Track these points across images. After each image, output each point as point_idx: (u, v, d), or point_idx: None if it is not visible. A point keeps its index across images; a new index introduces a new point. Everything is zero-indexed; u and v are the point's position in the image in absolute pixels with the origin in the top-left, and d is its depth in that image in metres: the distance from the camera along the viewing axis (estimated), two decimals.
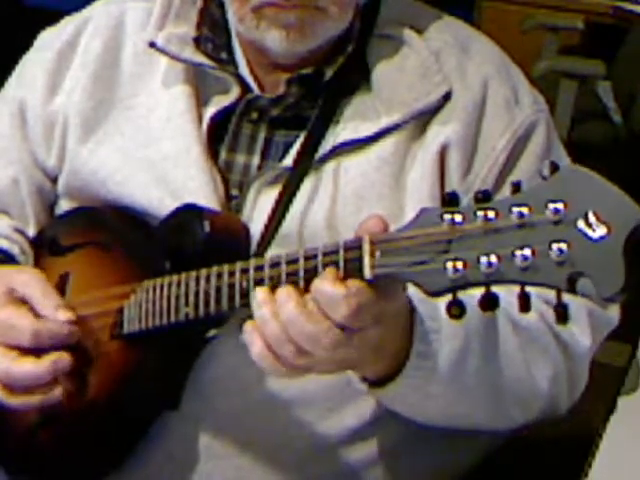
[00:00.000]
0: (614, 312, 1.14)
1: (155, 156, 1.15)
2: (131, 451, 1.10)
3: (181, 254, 1.06)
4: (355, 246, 0.84)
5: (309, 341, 0.85)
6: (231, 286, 0.94)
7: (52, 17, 1.31)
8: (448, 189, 1.09)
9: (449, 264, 0.77)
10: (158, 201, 1.13)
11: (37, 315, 1.05)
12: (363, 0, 1.14)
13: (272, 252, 1.05)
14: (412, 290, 0.87)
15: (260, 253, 1.06)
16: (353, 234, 0.86)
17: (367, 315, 0.85)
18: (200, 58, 1.15)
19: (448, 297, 0.78)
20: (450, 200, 0.79)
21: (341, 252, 0.85)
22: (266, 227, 1.08)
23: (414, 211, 0.82)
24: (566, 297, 0.74)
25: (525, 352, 1.05)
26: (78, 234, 1.19)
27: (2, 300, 1.06)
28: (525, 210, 0.74)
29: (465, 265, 0.76)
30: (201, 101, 1.16)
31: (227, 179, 1.13)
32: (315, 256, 0.86)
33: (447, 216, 0.78)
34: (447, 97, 1.12)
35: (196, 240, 1.05)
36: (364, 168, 1.10)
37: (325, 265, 0.85)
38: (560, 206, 0.72)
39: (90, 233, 1.18)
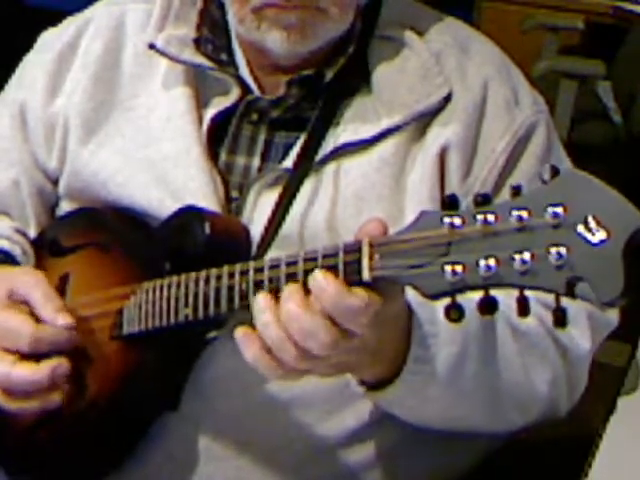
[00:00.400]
0: (613, 314, 1.14)
1: (155, 157, 1.15)
2: (131, 451, 1.10)
3: (181, 255, 1.06)
4: (354, 249, 0.84)
5: (309, 339, 0.85)
6: (230, 288, 0.94)
7: (53, 17, 1.31)
8: (448, 191, 1.09)
9: (448, 267, 0.77)
10: (158, 202, 1.13)
11: (37, 318, 1.05)
12: (364, 1, 1.14)
13: (272, 254, 1.05)
14: (411, 294, 0.87)
15: (260, 255, 1.06)
16: (353, 236, 0.86)
17: (371, 319, 0.85)
18: (200, 59, 1.15)
19: (447, 300, 0.78)
20: (450, 203, 0.79)
21: (340, 254, 0.85)
22: (266, 229, 1.08)
23: (414, 213, 0.82)
24: (565, 300, 0.74)
25: (524, 356, 1.05)
26: (79, 235, 1.19)
27: (3, 302, 1.06)
28: (524, 214, 0.74)
29: (464, 268, 0.76)
30: (201, 102, 1.16)
31: (227, 181, 1.13)
32: (314, 258, 0.86)
33: (446, 219, 0.78)
34: (447, 98, 1.12)
35: (196, 242, 1.05)
36: (364, 170, 1.10)
37: (324, 267, 0.85)
38: (560, 210, 0.72)
39: (90, 234, 1.18)
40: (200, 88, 1.17)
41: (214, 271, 0.96)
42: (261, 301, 0.88)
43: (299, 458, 1.11)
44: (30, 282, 1.07)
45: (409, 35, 1.14)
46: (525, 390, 1.06)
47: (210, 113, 1.15)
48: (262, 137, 1.14)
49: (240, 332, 0.89)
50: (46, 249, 1.22)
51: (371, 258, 0.82)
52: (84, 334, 1.07)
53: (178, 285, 1.00)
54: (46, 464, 1.14)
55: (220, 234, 1.05)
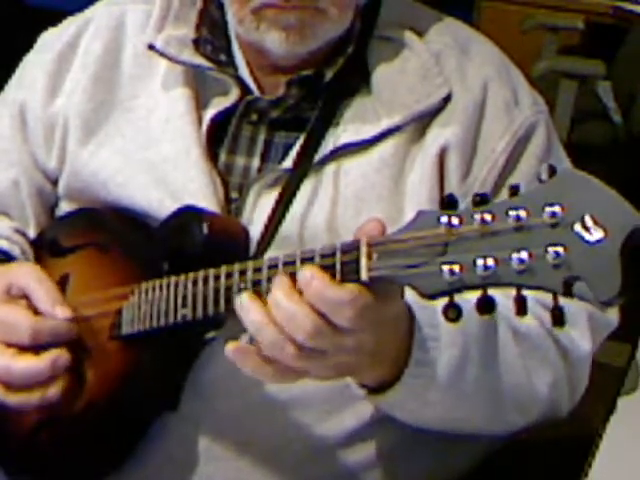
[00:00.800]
0: (613, 314, 1.14)
1: (155, 158, 1.15)
2: (131, 452, 1.10)
3: (180, 255, 1.06)
4: (352, 248, 0.84)
5: (293, 324, 0.84)
6: (229, 288, 0.94)
7: (53, 17, 1.31)
8: (447, 192, 1.09)
9: (445, 267, 0.77)
10: (158, 202, 1.13)
11: (35, 309, 1.06)
12: (363, 1, 1.14)
13: (272, 254, 1.05)
14: (411, 297, 0.87)
15: (259, 255, 1.06)
16: (353, 236, 0.86)
17: (365, 319, 0.85)
18: (199, 60, 1.15)
19: (445, 300, 0.78)
20: (448, 203, 0.79)
21: (338, 254, 0.85)
22: (266, 229, 1.08)
23: (413, 214, 0.82)
24: (565, 301, 0.74)
25: (525, 358, 1.05)
26: (78, 235, 1.19)
27: (1, 298, 1.06)
28: (522, 213, 0.74)
29: (462, 268, 0.76)
30: (201, 103, 1.16)
31: (227, 181, 1.13)
32: (312, 258, 0.86)
33: (444, 219, 0.77)
34: (447, 99, 1.12)
35: (195, 242, 1.05)
36: (364, 170, 1.10)
37: (323, 267, 0.85)
38: (557, 209, 0.72)
39: (90, 234, 1.18)
40: (200, 89, 1.17)
41: (212, 271, 0.96)
42: (245, 301, 0.88)
43: (299, 458, 1.11)
44: (28, 275, 1.08)
45: (409, 35, 1.14)
46: (526, 392, 1.06)
47: (210, 114, 1.15)
48: (262, 137, 1.14)
49: (231, 348, 0.88)
50: (46, 249, 1.22)
51: (369, 258, 0.82)
52: (83, 334, 1.08)
53: (177, 285, 1.00)
54: (46, 464, 1.14)
55: (218, 234, 1.05)
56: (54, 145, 1.22)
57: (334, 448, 1.11)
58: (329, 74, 1.12)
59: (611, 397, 1.18)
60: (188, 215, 1.07)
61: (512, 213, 0.74)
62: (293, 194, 1.09)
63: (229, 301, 0.94)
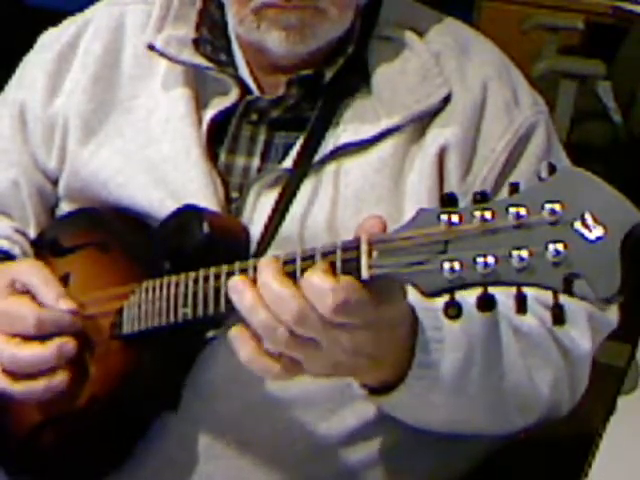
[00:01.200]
0: (613, 314, 1.14)
1: (155, 158, 1.15)
2: (131, 452, 1.11)
3: (181, 255, 1.06)
4: (353, 246, 0.84)
5: (279, 304, 0.84)
6: None
7: (53, 17, 1.32)
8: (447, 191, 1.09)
9: (446, 264, 0.76)
10: (159, 202, 1.13)
11: (39, 304, 1.06)
12: (363, 1, 1.14)
13: (272, 254, 1.05)
14: (415, 299, 0.87)
15: (260, 255, 1.06)
16: (353, 236, 0.86)
17: (355, 314, 0.84)
18: (199, 60, 1.15)
19: (445, 298, 0.78)
20: (448, 201, 0.79)
21: (339, 252, 0.84)
22: (266, 229, 1.08)
23: (413, 213, 0.82)
24: (565, 300, 0.74)
25: (526, 358, 1.05)
26: (79, 235, 1.19)
27: (4, 292, 1.07)
28: (522, 211, 0.74)
29: (462, 265, 0.76)
30: (201, 103, 1.16)
31: (227, 181, 1.13)
32: (313, 256, 0.86)
33: (444, 216, 0.77)
34: (447, 99, 1.12)
35: (195, 241, 1.05)
36: (364, 170, 1.10)
37: None
38: (557, 207, 0.72)
39: (90, 234, 1.19)
40: (200, 89, 1.17)
41: (213, 270, 0.96)
42: (236, 283, 0.87)
43: (300, 457, 1.11)
44: (31, 270, 1.09)
45: (409, 36, 1.14)
46: (528, 392, 1.06)
47: (210, 113, 1.15)
48: (262, 137, 1.14)
49: (234, 331, 0.88)
50: (46, 249, 1.22)
51: (369, 256, 0.82)
52: (84, 333, 1.08)
53: (177, 284, 1.00)
54: (46, 464, 1.14)
55: (219, 233, 1.05)
56: (54, 145, 1.22)
57: (335, 447, 1.11)
58: (329, 74, 1.13)
59: (611, 397, 1.18)
60: (189, 214, 1.07)
61: (512, 210, 0.74)
62: (293, 194, 1.09)
63: (230, 300, 0.93)
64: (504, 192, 0.99)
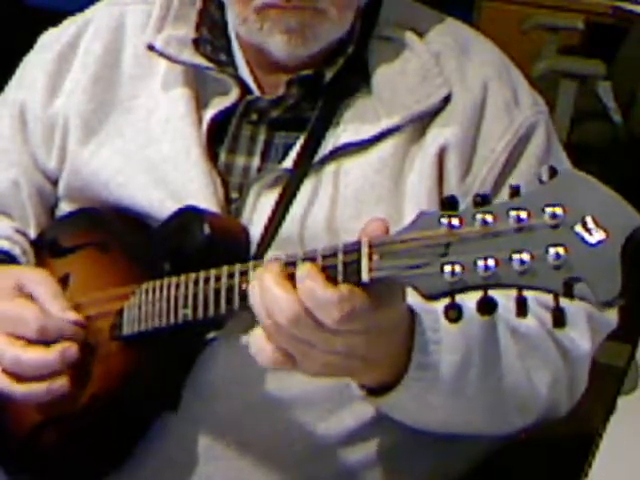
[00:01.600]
0: (612, 314, 1.14)
1: (155, 158, 1.15)
2: (131, 452, 1.11)
3: (181, 256, 1.06)
4: (354, 249, 0.84)
5: (275, 305, 0.84)
6: (230, 288, 0.94)
7: (53, 17, 1.31)
8: (446, 192, 1.09)
9: (447, 267, 0.76)
10: (159, 203, 1.13)
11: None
12: (363, 2, 1.14)
13: (272, 255, 1.05)
14: (414, 301, 0.87)
15: (260, 255, 1.06)
16: (353, 236, 0.86)
17: (357, 321, 0.84)
18: (199, 60, 1.15)
19: (446, 301, 0.78)
20: (449, 203, 0.79)
21: (340, 255, 0.84)
22: (266, 229, 1.08)
23: (413, 214, 0.82)
24: (565, 301, 0.74)
25: (525, 359, 1.05)
26: (79, 235, 1.19)
27: (12, 293, 1.07)
28: (523, 214, 0.74)
29: (463, 269, 0.76)
30: (201, 103, 1.16)
31: (227, 181, 1.13)
32: (314, 258, 0.86)
33: (445, 220, 0.77)
34: (447, 99, 1.12)
35: (196, 242, 1.05)
36: (364, 170, 1.10)
37: (324, 268, 0.85)
38: (558, 210, 0.72)
39: (90, 234, 1.19)
40: (200, 89, 1.17)
41: (213, 271, 0.96)
42: (253, 281, 0.88)
43: (299, 457, 1.11)
44: (39, 280, 1.09)
45: (409, 36, 1.14)
46: (526, 392, 1.06)
47: (210, 113, 1.15)
48: (262, 137, 1.14)
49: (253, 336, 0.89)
50: (46, 249, 1.22)
51: (370, 259, 0.82)
52: (85, 334, 1.08)
53: (177, 285, 1.00)
54: (46, 464, 1.14)
55: (219, 234, 1.05)
56: (54, 145, 1.22)
57: (335, 447, 1.11)
58: (329, 74, 1.13)
59: (611, 397, 1.18)
60: (189, 215, 1.07)
61: (513, 214, 0.74)
62: (293, 194, 1.09)
63: (230, 302, 0.94)
64: (504, 192, 0.99)
